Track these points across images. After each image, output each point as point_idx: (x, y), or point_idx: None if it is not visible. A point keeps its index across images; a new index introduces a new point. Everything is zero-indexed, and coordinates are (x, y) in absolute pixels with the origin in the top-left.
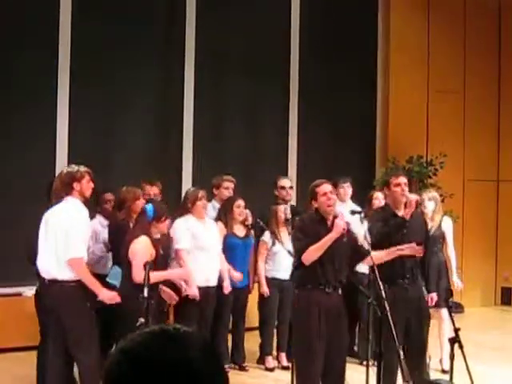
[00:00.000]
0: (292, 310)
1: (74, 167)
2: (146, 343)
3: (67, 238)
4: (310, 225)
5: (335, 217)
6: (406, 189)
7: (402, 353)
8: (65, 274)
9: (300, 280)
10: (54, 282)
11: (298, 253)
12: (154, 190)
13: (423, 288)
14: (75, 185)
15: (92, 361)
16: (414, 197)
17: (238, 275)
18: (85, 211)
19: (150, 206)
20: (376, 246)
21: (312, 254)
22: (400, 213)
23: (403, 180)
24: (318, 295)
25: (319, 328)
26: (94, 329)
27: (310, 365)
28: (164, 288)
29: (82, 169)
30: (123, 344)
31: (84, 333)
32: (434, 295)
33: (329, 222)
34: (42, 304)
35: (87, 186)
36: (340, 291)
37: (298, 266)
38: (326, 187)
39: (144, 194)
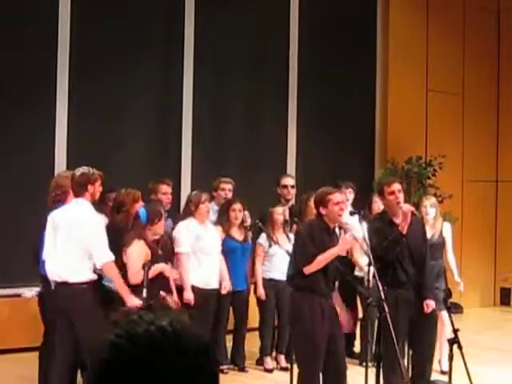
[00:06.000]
0: (291, 311)
1: (88, 169)
2: (124, 357)
3: (95, 243)
4: (317, 232)
5: (339, 227)
6: (401, 195)
7: (399, 352)
8: (76, 277)
9: (300, 284)
10: (65, 284)
11: (301, 260)
12: (169, 190)
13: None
14: (89, 187)
15: None
16: (407, 207)
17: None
18: (97, 214)
19: (142, 211)
20: (379, 256)
21: (314, 267)
22: (398, 220)
23: (397, 187)
24: (318, 298)
25: (322, 329)
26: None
27: (314, 365)
28: (169, 298)
29: (96, 172)
30: (100, 353)
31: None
32: (430, 302)
33: (330, 231)
34: (51, 306)
35: (98, 189)
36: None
37: (299, 271)
38: (339, 196)
39: (158, 193)
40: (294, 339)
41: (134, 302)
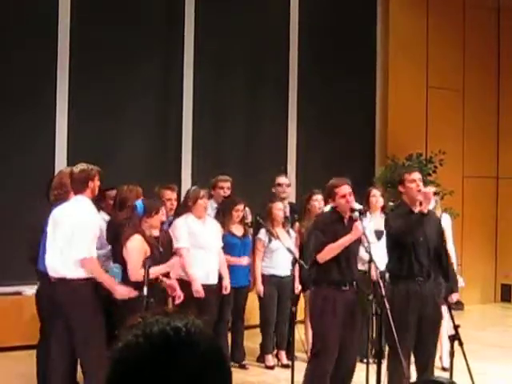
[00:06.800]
0: (309, 305)
1: (87, 165)
2: (140, 355)
3: (79, 237)
4: (327, 223)
5: (351, 217)
6: (421, 184)
7: (400, 349)
8: (74, 273)
9: (316, 277)
10: (62, 280)
11: (313, 251)
12: (173, 196)
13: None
14: (90, 183)
15: (100, 361)
16: (429, 189)
17: (243, 259)
18: (96, 212)
19: (139, 203)
20: (397, 242)
21: (328, 253)
22: (416, 209)
23: (417, 176)
24: (334, 292)
25: (332, 326)
26: (103, 328)
27: (325, 361)
28: (165, 279)
29: (95, 167)
30: (117, 353)
31: (93, 332)
32: (454, 295)
33: (345, 221)
34: (48, 303)
35: (97, 184)
36: (354, 288)
37: (314, 263)
38: (346, 188)
39: (162, 199)
40: (312, 330)
41: (122, 291)
